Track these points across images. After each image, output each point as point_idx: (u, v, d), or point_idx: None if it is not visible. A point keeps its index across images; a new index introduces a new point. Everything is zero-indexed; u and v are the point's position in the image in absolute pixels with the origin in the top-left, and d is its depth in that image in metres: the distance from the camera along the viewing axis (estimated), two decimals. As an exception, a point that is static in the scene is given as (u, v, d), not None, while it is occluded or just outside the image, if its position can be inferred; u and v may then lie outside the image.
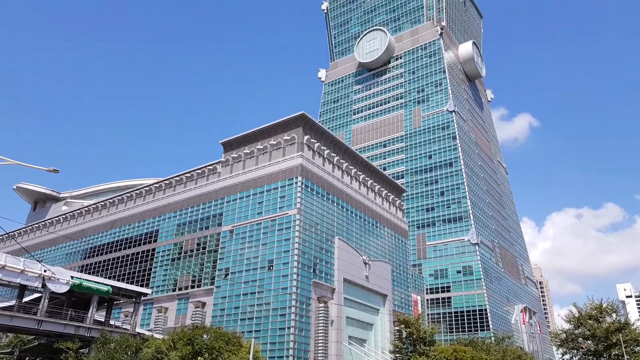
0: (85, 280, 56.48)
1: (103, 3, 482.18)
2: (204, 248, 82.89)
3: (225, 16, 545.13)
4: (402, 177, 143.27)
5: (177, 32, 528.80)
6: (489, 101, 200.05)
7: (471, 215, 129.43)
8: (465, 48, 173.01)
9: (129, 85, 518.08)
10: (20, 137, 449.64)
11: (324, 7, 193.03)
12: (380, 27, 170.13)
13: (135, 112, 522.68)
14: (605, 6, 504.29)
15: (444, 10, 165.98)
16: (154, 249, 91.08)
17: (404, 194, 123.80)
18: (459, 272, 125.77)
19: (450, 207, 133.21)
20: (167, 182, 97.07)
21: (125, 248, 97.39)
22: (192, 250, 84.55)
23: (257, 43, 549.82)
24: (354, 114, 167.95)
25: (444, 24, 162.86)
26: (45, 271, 52.84)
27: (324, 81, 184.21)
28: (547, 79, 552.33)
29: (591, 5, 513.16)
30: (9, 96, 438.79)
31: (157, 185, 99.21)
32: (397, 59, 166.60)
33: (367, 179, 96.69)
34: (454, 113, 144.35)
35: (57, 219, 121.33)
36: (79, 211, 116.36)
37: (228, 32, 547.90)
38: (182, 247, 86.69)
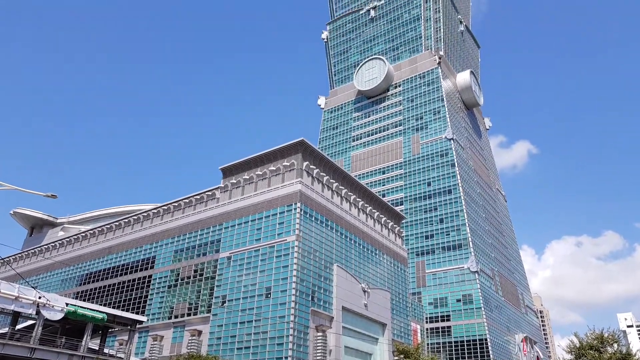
0: (80, 307, 55.58)
1: (98, 29, 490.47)
2: (201, 275, 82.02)
3: (226, 43, 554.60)
4: (401, 204, 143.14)
5: (177, 57, 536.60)
6: (487, 129, 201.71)
7: (470, 243, 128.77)
8: (463, 77, 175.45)
9: (128, 110, 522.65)
10: (19, 162, 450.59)
11: (323, 36, 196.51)
12: (379, 56, 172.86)
13: (134, 137, 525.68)
14: (602, 32, 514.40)
15: (442, 40, 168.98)
16: (150, 276, 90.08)
17: (403, 221, 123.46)
18: (458, 300, 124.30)
19: (449, 234, 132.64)
20: (165, 207, 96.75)
21: (121, 274, 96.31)
22: (189, 277, 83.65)
23: (258, 70, 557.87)
24: (353, 140, 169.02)
25: (441, 53, 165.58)
26: (39, 298, 51.99)
27: (323, 108, 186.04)
28: (546, 106, 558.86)
29: (587, 32, 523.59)
30: (7, 119, 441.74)
31: (155, 211, 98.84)
32: (395, 87, 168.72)
33: (366, 205, 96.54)
34: (452, 141, 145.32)
35: (53, 244, 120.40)
36: (75, 237, 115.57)
37: (228, 58, 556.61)
38: (179, 274, 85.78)
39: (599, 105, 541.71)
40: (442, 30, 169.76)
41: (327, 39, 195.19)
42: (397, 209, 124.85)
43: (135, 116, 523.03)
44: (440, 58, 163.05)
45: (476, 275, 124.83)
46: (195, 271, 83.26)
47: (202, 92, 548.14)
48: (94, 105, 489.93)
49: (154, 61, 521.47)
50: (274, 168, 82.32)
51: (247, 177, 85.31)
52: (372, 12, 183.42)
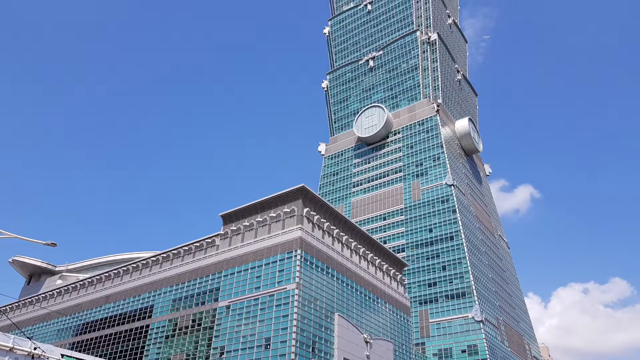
0: (76, 358, 54.25)
1: (94, 70, 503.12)
2: (199, 325, 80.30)
3: (226, 90, 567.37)
4: (403, 251, 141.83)
5: (177, 101, 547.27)
6: (487, 175, 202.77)
7: (474, 291, 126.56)
8: (462, 124, 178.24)
9: (126, 156, 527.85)
10: (18, 209, 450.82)
11: (324, 85, 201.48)
12: (378, 104, 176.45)
13: (133, 184, 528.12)
14: (602, 73, 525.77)
15: (440, 89, 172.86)
16: (148, 326, 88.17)
17: (405, 269, 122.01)
18: (463, 351, 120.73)
19: (452, 282, 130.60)
20: (164, 255, 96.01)
21: (118, 324, 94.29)
22: (186, 327, 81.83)
23: (258, 117, 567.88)
24: (354, 186, 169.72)
25: (439, 101, 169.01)
26: (35, 349, 50.84)
27: (323, 155, 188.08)
28: (547, 150, 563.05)
29: (584, 76, 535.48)
30: (6, 167, 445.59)
31: (155, 258, 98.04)
32: (395, 134, 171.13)
33: (367, 252, 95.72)
34: (453, 187, 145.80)
35: (50, 293, 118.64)
36: (73, 285, 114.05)
37: (229, 104, 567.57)
38: (176, 324, 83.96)
39: (601, 147, 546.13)
40: (439, 79, 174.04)
41: (327, 87, 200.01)
42: (399, 255, 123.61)
43: (134, 162, 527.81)
44: (438, 106, 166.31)
45: (481, 324, 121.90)
46: (194, 321, 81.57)
47: (202, 137, 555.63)
48: (92, 150, 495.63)
49: (154, 102, 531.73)
50: (275, 214, 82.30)
51: (247, 224, 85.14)
52: (371, 62, 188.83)
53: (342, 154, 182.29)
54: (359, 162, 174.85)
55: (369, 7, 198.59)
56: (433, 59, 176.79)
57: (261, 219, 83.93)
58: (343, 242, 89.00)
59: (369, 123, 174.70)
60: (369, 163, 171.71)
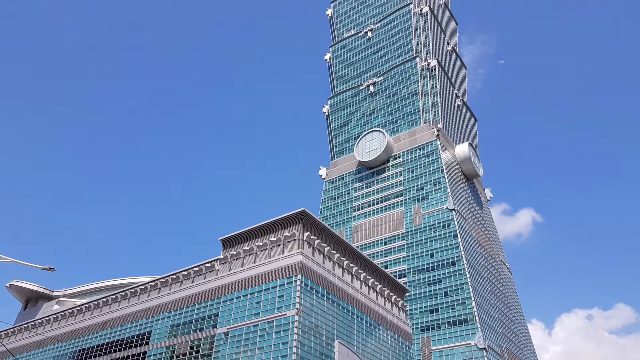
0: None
1: (93, 103, 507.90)
2: (197, 352, 78.67)
3: (227, 113, 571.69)
4: (404, 276, 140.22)
5: (177, 124, 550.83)
6: (488, 200, 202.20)
7: (477, 318, 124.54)
8: (462, 149, 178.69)
9: (124, 180, 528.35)
10: (15, 233, 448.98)
11: (325, 110, 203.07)
12: (378, 129, 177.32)
13: (132, 207, 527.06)
14: (601, 94, 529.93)
15: (440, 114, 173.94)
16: (145, 352, 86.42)
17: (407, 294, 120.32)
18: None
19: (455, 308, 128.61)
20: (163, 280, 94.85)
21: (115, 351, 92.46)
22: (184, 355, 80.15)
23: (259, 140, 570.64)
24: (355, 210, 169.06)
25: (439, 126, 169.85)
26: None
27: (324, 179, 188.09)
28: (548, 173, 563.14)
29: (585, 96, 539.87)
30: (4, 190, 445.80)
31: (153, 283, 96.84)
32: (395, 158, 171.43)
33: (368, 277, 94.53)
34: (454, 211, 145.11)
35: (46, 319, 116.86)
36: (69, 311, 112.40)
37: (229, 126, 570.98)
38: (174, 351, 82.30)
39: (604, 170, 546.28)
40: (439, 104, 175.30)
41: (328, 112, 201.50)
42: (400, 281, 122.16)
43: (132, 184, 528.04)
44: (438, 130, 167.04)
45: (484, 352, 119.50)
46: (192, 347, 79.96)
47: (201, 160, 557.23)
48: (88, 173, 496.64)
49: (153, 128, 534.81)
50: (275, 239, 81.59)
51: (247, 248, 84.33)
52: (372, 88, 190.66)
53: (342, 178, 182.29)
54: (359, 186, 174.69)
55: (369, 34, 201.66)
56: (433, 84, 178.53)
57: (261, 244, 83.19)
58: (344, 267, 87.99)
59: (369, 147, 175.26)
60: (370, 187, 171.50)
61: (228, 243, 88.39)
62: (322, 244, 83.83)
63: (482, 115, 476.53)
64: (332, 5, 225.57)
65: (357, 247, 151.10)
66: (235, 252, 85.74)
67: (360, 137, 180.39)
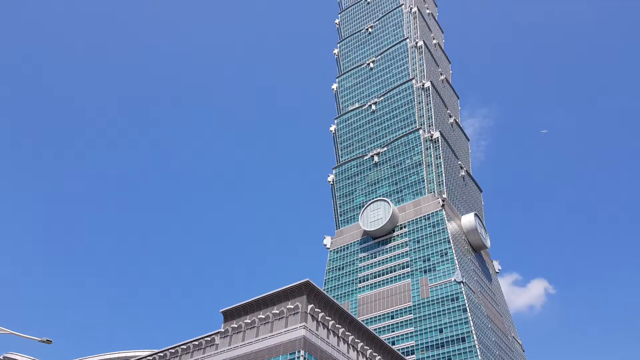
0: None
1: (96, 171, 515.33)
2: None
3: (232, 181, 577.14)
4: (412, 353, 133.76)
5: (177, 192, 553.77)
6: (497, 272, 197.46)
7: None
8: (468, 219, 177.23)
9: (121, 247, 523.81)
10: (13, 304, 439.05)
11: (330, 179, 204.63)
12: (383, 198, 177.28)
13: (131, 276, 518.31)
14: (604, 160, 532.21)
15: (444, 184, 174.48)
16: None
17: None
18: None
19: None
20: (161, 354, 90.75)
21: None
22: None
23: (262, 208, 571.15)
24: (360, 282, 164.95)
25: (444, 196, 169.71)
26: None
27: (329, 248, 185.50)
28: (558, 243, 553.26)
29: (588, 163, 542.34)
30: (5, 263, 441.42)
31: (151, 357, 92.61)
32: (401, 228, 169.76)
33: (374, 354, 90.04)
34: (462, 284, 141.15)
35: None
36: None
37: (232, 197, 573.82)
38: None
39: (616, 236, 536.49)
40: (443, 174, 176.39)
41: (333, 181, 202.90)
42: (408, 358, 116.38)
43: (130, 253, 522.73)
44: (443, 200, 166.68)
45: None
46: None
47: (203, 229, 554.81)
48: (87, 248, 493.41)
49: (154, 200, 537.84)
50: (277, 311, 78.74)
51: (249, 321, 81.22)
52: (376, 158, 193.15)
53: (347, 248, 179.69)
54: (365, 256, 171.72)
55: (373, 107, 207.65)
56: (436, 155, 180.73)
57: (263, 316, 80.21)
58: (349, 342, 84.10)
59: (374, 216, 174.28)
60: (376, 257, 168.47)
61: (229, 315, 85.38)
62: (327, 317, 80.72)
63: (486, 186, 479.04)
64: (337, 80, 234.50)
65: (363, 321, 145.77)
66: (236, 325, 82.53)
67: (365, 206, 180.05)
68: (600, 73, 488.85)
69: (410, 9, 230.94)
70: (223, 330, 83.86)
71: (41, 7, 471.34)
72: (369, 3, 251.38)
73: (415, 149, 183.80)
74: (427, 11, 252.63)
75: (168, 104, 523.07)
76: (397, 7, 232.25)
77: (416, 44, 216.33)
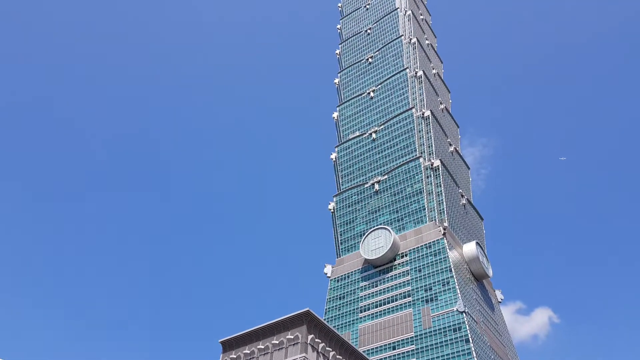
0: None
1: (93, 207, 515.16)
2: None
3: (232, 209, 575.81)
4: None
5: (176, 220, 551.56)
6: (499, 302, 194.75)
7: None
8: (470, 248, 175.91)
9: (119, 280, 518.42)
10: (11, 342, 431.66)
11: (330, 207, 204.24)
12: (384, 226, 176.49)
13: (126, 307, 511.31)
14: (606, 184, 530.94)
15: (445, 212, 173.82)
16: None
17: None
18: None
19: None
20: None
21: None
22: None
23: (262, 236, 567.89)
24: (361, 311, 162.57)
25: (446, 224, 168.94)
26: None
27: (329, 277, 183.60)
28: (561, 271, 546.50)
29: (589, 188, 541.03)
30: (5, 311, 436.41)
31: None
32: (402, 257, 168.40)
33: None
34: (464, 314, 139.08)
35: None
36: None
37: (233, 224, 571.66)
38: None
39: (620, 261, 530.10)
40: (444, 202, 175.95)
41: (333, 209, 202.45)
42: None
43: (126, 282, 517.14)
44: (445, 229, 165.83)
45: None
46: None
47: (201, 256, 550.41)
48: (82, 277, 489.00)
49: (154, 236, 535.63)
50: (277, 341, 77.36)
51: (248, 352, 79.69)
52: (377, 186, 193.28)
53: (348, 277, 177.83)
54: (366, 285, 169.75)
55: (374, 135, 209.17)
56: (437, 183, 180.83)
57: (263, 347, 78.74)
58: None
59: (375, 245, 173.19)
60: (377, 286, 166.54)
61: (228, 345, 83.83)
62: (327, 348, 79.22)
63: (487, 214, 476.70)
64: (338, 109, 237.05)
65: (364, 351, 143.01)
66: (235, 356, 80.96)
67: (366, 234, 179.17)
68: (601, 101, 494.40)
69: (410, 40, 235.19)
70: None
71: (41, 6, 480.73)
72: (369, 34, 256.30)
73: (416, 177, 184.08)
74: (427, 42, 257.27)
75: (170, 147, 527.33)
76: (397, 38, 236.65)
77: (416, 73, 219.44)
